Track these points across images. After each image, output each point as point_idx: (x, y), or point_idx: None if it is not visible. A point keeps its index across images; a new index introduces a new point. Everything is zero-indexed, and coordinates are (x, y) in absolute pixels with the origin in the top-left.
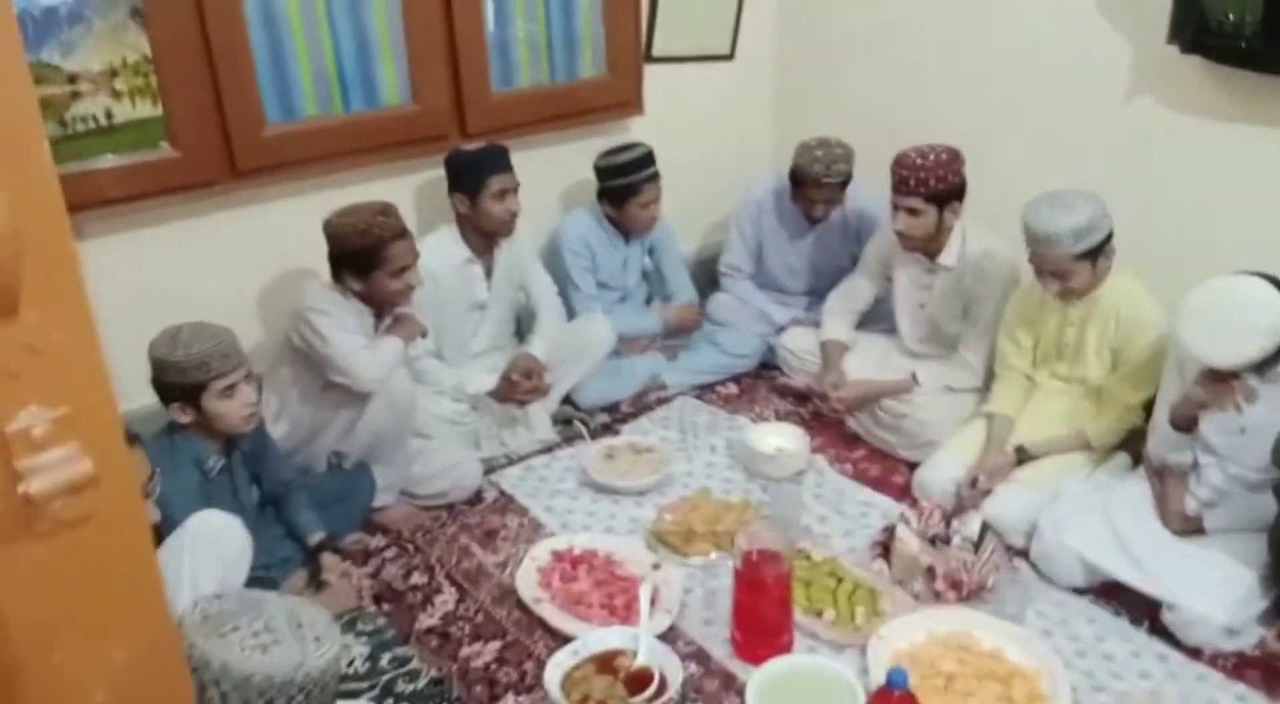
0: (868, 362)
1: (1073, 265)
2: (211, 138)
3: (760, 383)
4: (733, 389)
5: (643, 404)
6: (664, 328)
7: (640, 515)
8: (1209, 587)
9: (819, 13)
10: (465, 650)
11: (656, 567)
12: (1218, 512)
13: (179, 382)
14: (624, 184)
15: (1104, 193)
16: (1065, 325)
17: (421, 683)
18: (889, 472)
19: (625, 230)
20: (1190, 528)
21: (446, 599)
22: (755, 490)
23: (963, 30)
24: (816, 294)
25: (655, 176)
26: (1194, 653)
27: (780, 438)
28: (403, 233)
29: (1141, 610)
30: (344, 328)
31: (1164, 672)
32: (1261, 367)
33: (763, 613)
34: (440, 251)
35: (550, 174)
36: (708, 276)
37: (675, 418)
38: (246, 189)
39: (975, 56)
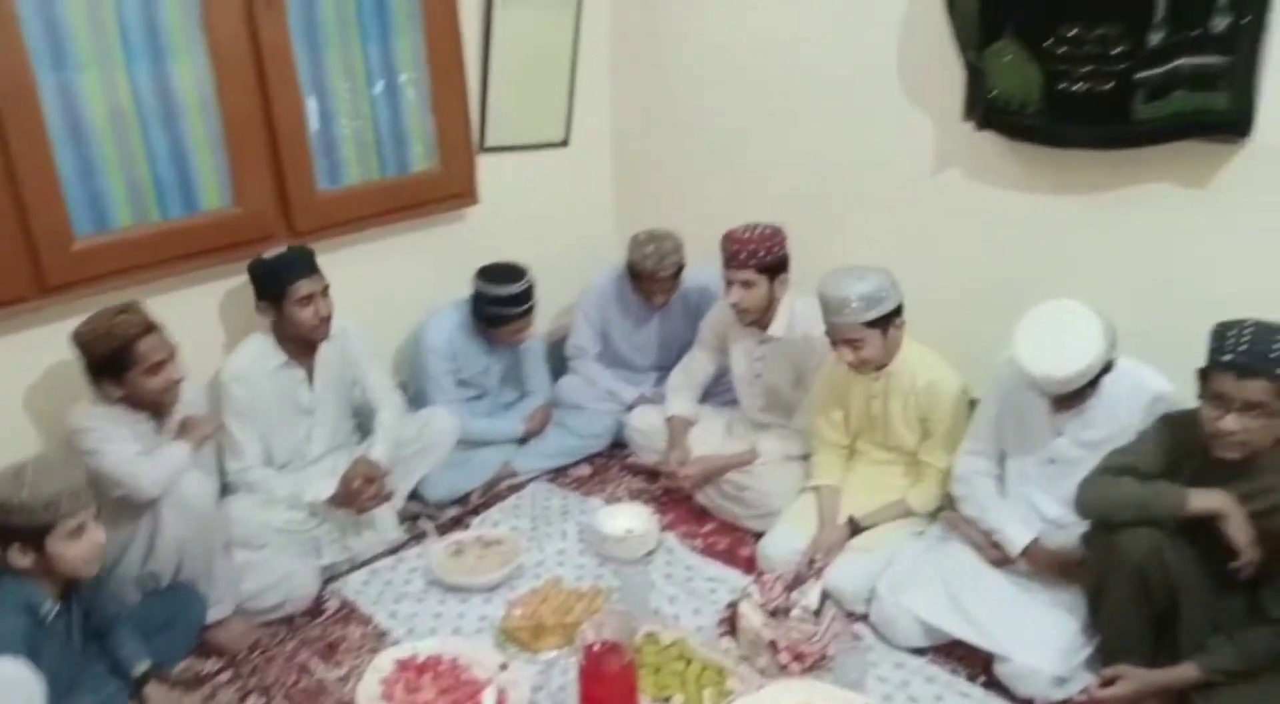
0: (713, 434)
1: (863, 333)
2: (17, 254)
3: (613, 462)
4: (585, 470)
5: (494, 494)
6: (524, 433)
7: (490, 612)
8: (1037, 639)
9: (652, 99)
10: None
11: (504, 667)
12: (1060, 535)
13: (23, 524)
14: (496, 314)
15: (914, 259)
16: (870, 398)
17: None
18: (737, 544)
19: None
20: (1002, 559)
21: None
22: (607, 575)
23: (781, 115)
24: (664, 370)
25: (530, 310)
26: None
27: (630, 519)
28: (148, 328)
29: (977, 666)
30: (113, 439)
31: None
32: (1079, 394)
33: None
34: (253, 357)
35: (386, 267)
36: (556, 358)
37: (527, 505)
38: (57, 304)
39: (797, 139)
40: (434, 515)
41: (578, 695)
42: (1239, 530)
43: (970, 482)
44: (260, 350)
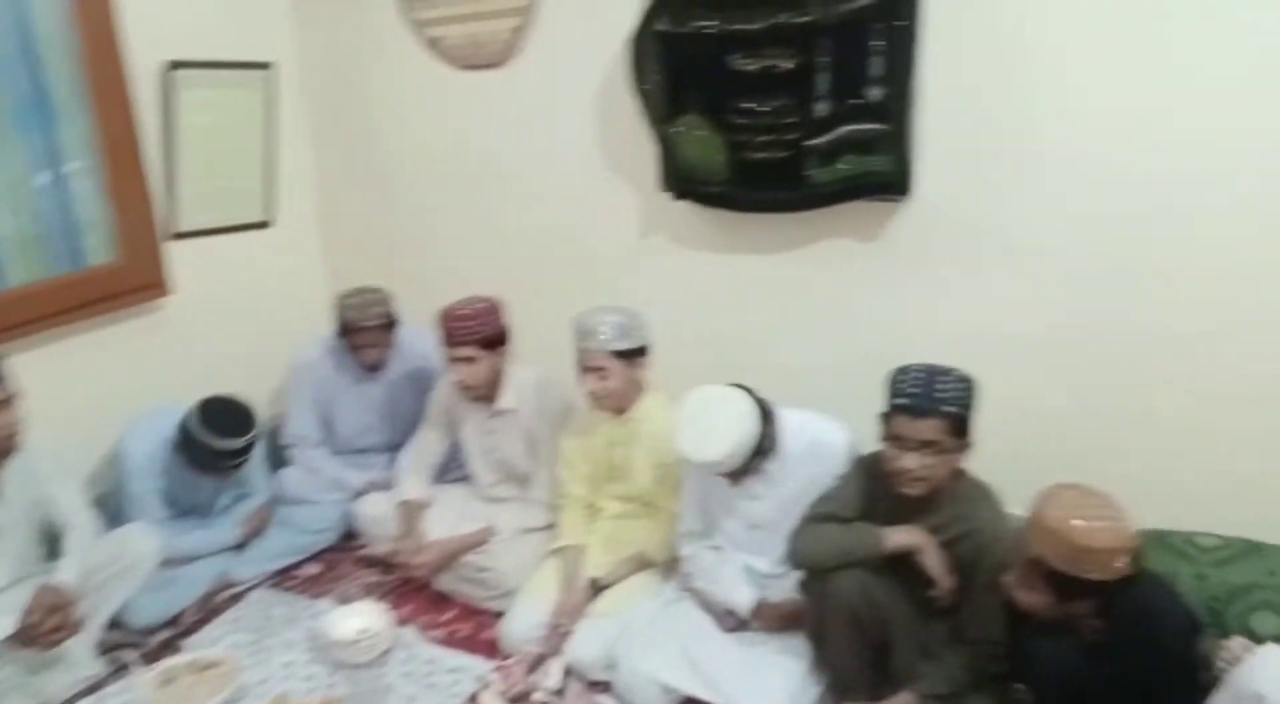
0: (449, 514)
1: (610, 363)
2: None
3: (344, 556)
4: (315, 568)
5: (210, 608)
6: (241, 539)
7: None
8: (768, 687)
9: (357, 178)
10: None
11: None
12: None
13: None
14: (209, 463)
15: None
16: (613, 446)
17: None
18: (480, 628)
19: None
20: (737, 624)
21: None
22: (340, 683)
23: (489, 193)
24: (393, 450)
25: (249, 458)
26: None
27: (362, 619)
28: None
29: None
30: None
31: None
32: (746, 469)
33: None
34: None
35: (75, 371)
36: (272, 452)
37: (248, 617)
38: None
39: (508, 215)
40: (138, 643)
41: None
42: (934, 562)
43: (694, 559)
44: None
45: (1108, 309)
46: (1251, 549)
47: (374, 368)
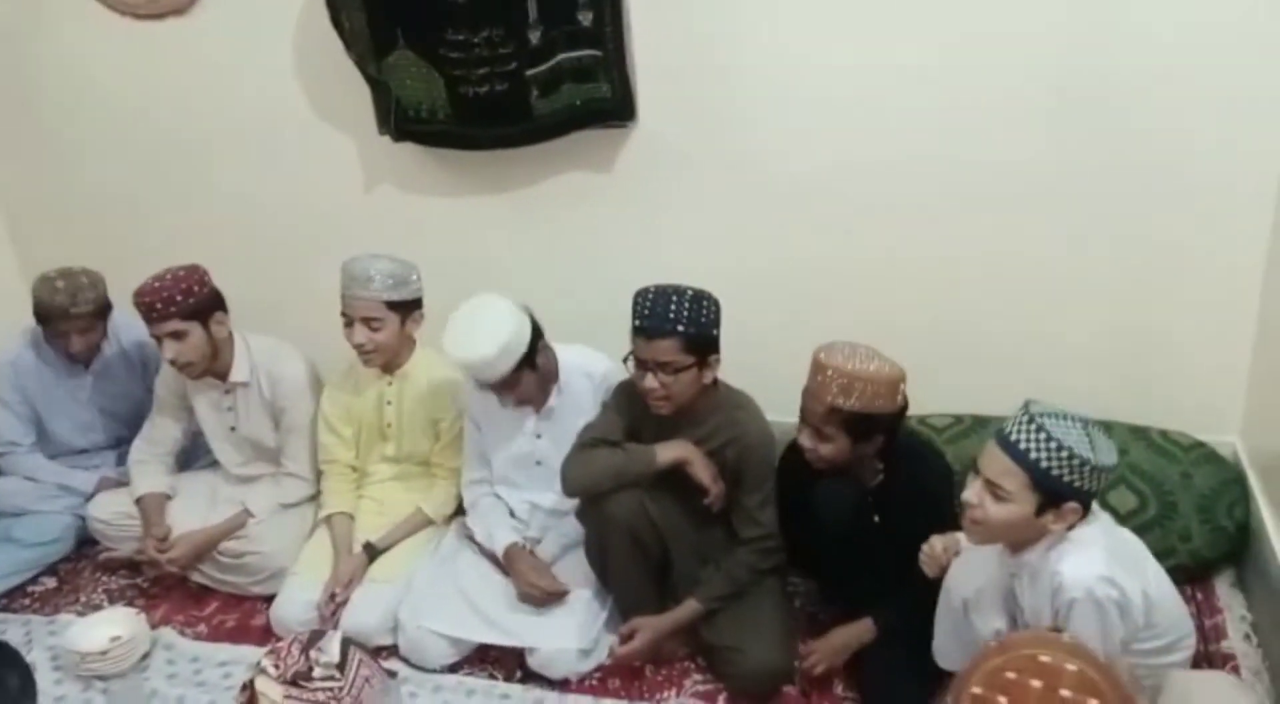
0: (197, 503)
1: (384, 313)
2: None
3: (83, 565)
4: (50, 583)
5: None
6: None
7: None
8: (556, 620)
9: (31, 149)
10: None
11: None
12: (546, 543)
13: None
14: None
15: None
16: (383, 405)
17: None
18: (248, 616)
19: None
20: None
21: None
22: (96, 698)
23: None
24: (122, 447)
25: None
26: (564, 685)
27: (112, 625)
28: None
29: (511, 665)
30: None
31: None
32: (519, 381)
33: None
34: None
35: None
36: None
37: None
38: None
39: (214, 183)
40: None
41: None
42: (702, 471)
43: (477, 507)
44: None
45: (833, 222)
46: (979, 423)
47: (84, 359)
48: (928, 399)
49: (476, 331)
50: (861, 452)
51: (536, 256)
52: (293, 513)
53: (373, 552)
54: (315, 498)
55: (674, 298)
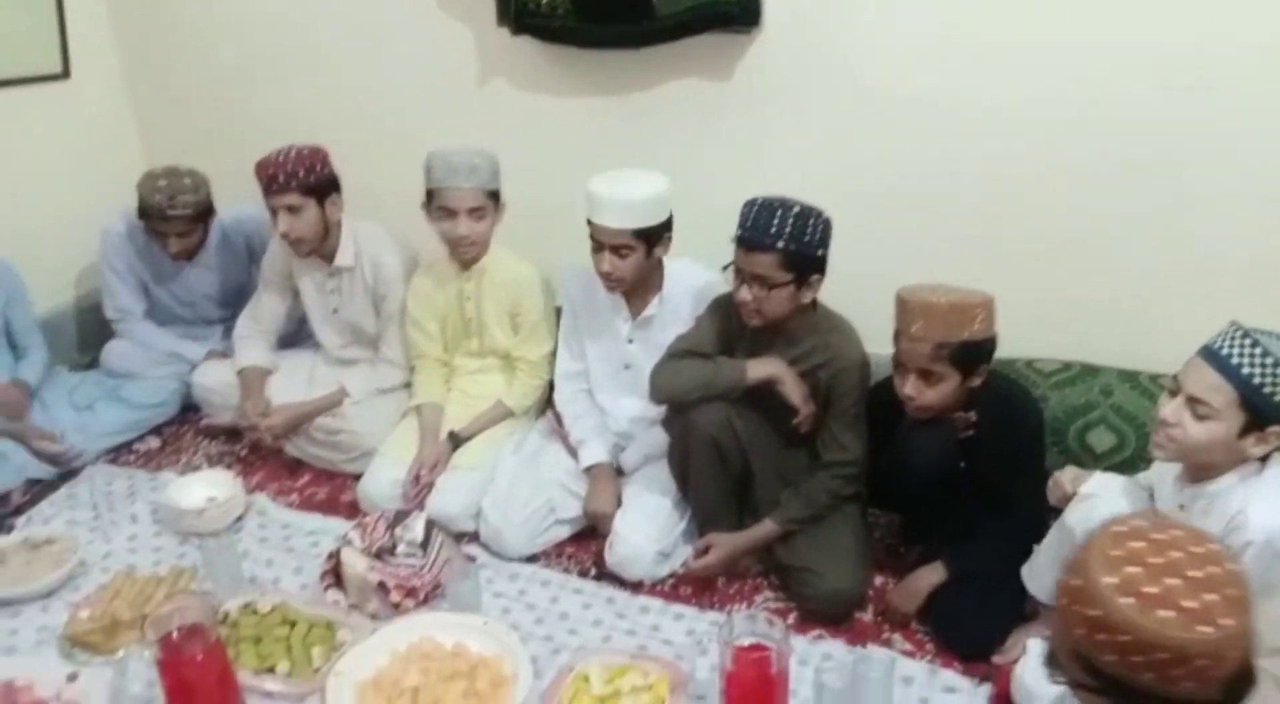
0: (296, 381)
1: (484, 202)
2: None
3: (184, 430)
4: (154, 443)
5: (40, 488)
6: None
7: (50, 622)
8: (636, 521)
9: (157, 24)
10: None
11: (73, 678)
12: (629, 452)
13: None
14: None
15: None
16: (464, 301)
17: None
18: (337, 492)
19: None
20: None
21: None
22: (190, 554)
23: (306, 43)
24: (230, 322)
25: None
26: (636, 587)
27: (209, 487)
28: None
29: (587, 561)
30: None
31: (613, 613)
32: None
33: (199, 694)
34: None
35: None
36: (95, 323)
37: (85, 493)
38: None
39: (330, 67)
40: None
41: (163, 690)
42: (794, 390)
43: (572, 405)
44: None
45: (956, 149)
46: (1088, 371)
47: (181, 257)
48: (1037, 343)
49: (635, 177)
50: (967, 388)
51: (643, 163)
52: (386, 397)
53: (457, 440)
54: (409, 386)
55: (780, 211)
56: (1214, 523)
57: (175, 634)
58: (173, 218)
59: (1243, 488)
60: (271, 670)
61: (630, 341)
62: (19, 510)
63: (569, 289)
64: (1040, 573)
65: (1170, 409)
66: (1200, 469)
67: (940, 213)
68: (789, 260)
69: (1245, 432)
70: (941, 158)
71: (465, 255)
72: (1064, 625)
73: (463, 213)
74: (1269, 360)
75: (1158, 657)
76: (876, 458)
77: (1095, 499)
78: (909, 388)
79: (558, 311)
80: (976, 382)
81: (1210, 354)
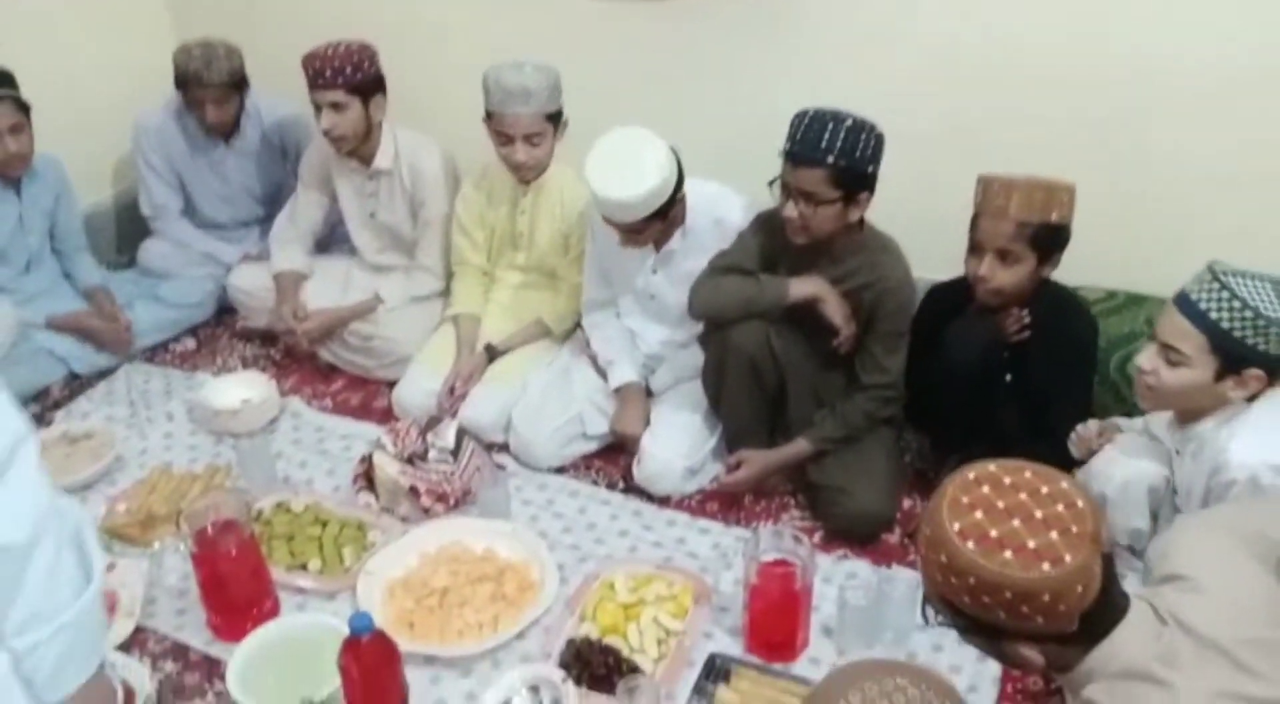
0: (331, 287)
1: (543, 127)
2: None
3: (220, 331)
4: (189, 344)
5: (78, 384)
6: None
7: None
8: (666, 438)
9: None
10: None
11: (111, 567)
12: (659, 374)
13: None
14: None
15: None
16: (518, 214)
17: None
18: (370, 398)
19: (6, 177)
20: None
21: None
22: (225, 453)
23: None
24: (266, 225)
25: (1, 100)
26: (664, 501)
27: (244, 388)
28: None
29: (615, 474)
30: None
31: (639, 525)
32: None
33: (233, 588)
34: None
35: None
36: (133, 221)
37: (122, 390)
38: None
39: None
40: None
41: (197, 583)
42: (835, 309)
43: (601, 329)
44: None
45: (1000, 101)
46: (1133, 300)
47: (220, 132)
48: (1083, 270)
49: (626, 170)
50: (1036, 279)
51: (691, 76)
52: (422, 305)
53: (493, 353)
54: (444, 294)
55: (831, 125)
56: (1204, 465)
57: (210, 529)
58: (209, 83)
59: (1226, 429)
60: (303, 568)
61: (654, 273)
62: (58, 405)
63: (593, 222)
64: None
65: (1145, 357)
66: (1187, 414)
67: (999, 128)
68: (838, 176)
69: (1221, 376)
70: (988, 93)
71: (524, 179)
72: (924, 571)
73: (519, 139)
74: (1236, 304)
75: (1004, 596)
76: (917, 364)
77: (1117, 456)
78: (984, 268)
79: None
80: (1048, 271)
81: (1181, 300)
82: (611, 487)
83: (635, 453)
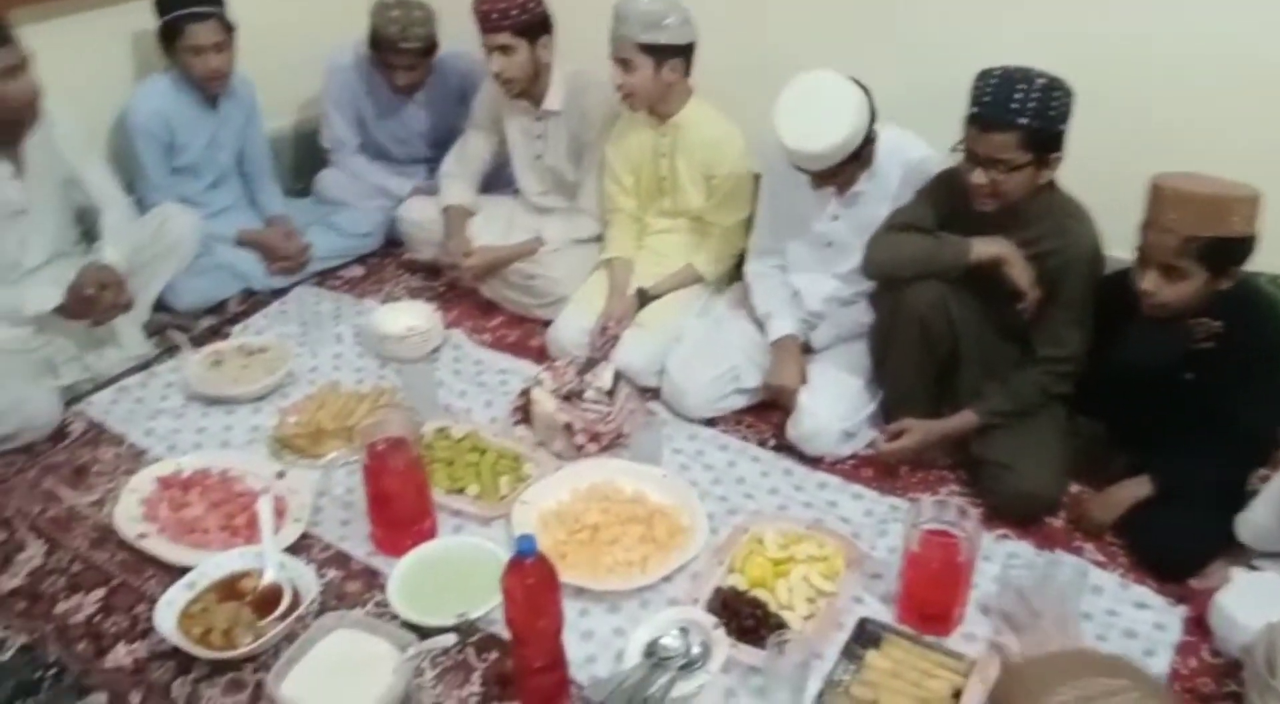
0: (494, 225)
1: (635, 56)
2: None
3: (387, 261)
4: (358, 271)
5: (254, 301)
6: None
7: (260, 423)
8: (824, 397)
9: None
10: (61, 607)
11: (281, 475)
12: (820, 331)
13: None
14: (169, 20)
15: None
16: (659, 157)
17: (7, 654)
18: (527, 335)
19: (206, 92)
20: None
21: (31, 555)
22: (389, 376)
23: None
24: (436, 162)
25: (209, 17)
26: (815, 462)
27: (411, 317)
28: None
29: (767, 431)
30: None
31: (790, 484)
32: (844, 170)
33: (398, 503)
34: None
35: (92, 39)
36: (310, 151)
37: (294, 311)
38: None
39: None
40: (186, 326)
41: (365, 495)
42: (1021, 272)
43: (763, 281)
44: None
45: (1203, 51)
46: None
47: (408, 93)
48: None
49: (819, 118)
50: (1212, 291)
51: (870, 25)
52: (582, 247)
53: (644, 297)
54: (601, 239)
55: (1021, 85)
56: None
57: (380, 445)
58: (404, 50)
59: None
60: (461, 492)
61: (835, 219)
62: (234, 319)
63: (771, 161)
64: (1255, 524)
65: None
66: None
67: (1205, 93)
68: (1030, 138)
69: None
70: (1185, 42)
71: (627, 106)
72: None
73: (615, 62)
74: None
75: None
76: (1094, 352)
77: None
78: (1147, 282)
79: (756, 178)
80: (1224, 285)
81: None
82: (762, 444)
83: (789, 409)
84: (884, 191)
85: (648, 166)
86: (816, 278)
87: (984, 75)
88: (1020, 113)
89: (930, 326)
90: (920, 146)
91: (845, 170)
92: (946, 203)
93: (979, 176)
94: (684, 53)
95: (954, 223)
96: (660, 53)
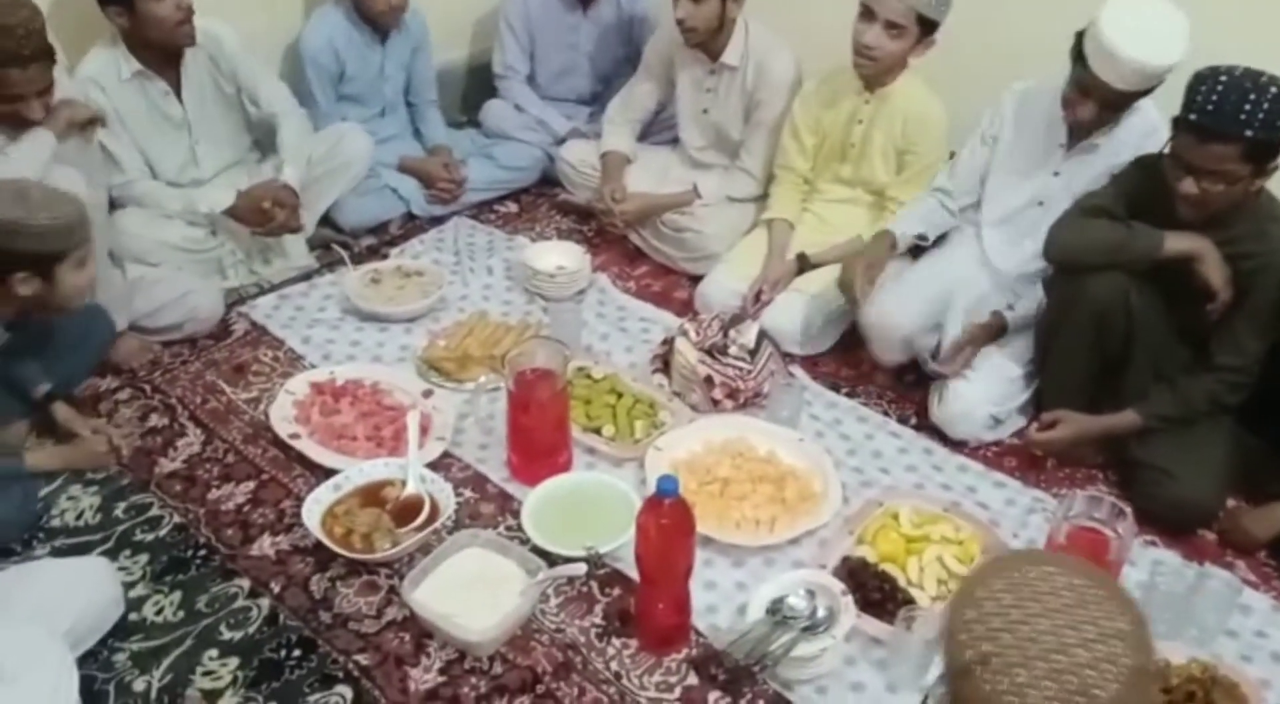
0: (649, 175)
1: (909, 23)
2: None
3: (541, 200)
4: (511, 207)
5: (413, 226)
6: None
7: (410, 343)
8: (978, 377)
9: None
10: (214, 493)
11: (428, 394)
12: (1019, 307)
13: (38, 249)
14: None
15: None
16: (853, 123)
17: (164, 530)
18: (672, 287)
19: (377, 26)
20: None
21: (191, 441)
22: (535, 312)
23: None
24: (598, 105)
25: None
26: (958, 445)
27: (561, 256)
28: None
29: (909, 408)
30: None
31: (929, 464)
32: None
33: (538, 433)
34: (100, 68)
35: None
36: (481, 86)
37: (449, 240)
38: None
39: None
40: (348, 244)
41: (506, 423)
42: (1216, 270)
43: (920, 200)
44: (107, 61)
45: None
46: None
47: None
48: None
49: (1156, 34)
50: None
51: None
52: (737, 206)
53: (805, 264)
54: (759, 200)
55: (1251, 92)
56: None
57: (529, 374)
58: None
59: None
60: (597, 432)
61: (1056, 174)
62: (394, 241)
63: (1005, 111)
64: None
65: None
66: None
67: None
68: (1253, 150)
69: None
70: None
71: (865, 72)
72: None
73: (880, 21)
74: None
75: None
76: (1272, 363)
77: None
78: None
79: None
80: None
81: None
82: (903, 421)
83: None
84: (1115, 155)
85: (839, 131)
86: (1017, 240)
87: (1205, 79)
88: (1248, 125)
89: (1107, 320)
90: (1156, 116)
91: (1106, 111)
92: (1142, 194)
93: (1189, 186)
94: (933, 30)
95: (1149, 213)
96: (929, 28)
